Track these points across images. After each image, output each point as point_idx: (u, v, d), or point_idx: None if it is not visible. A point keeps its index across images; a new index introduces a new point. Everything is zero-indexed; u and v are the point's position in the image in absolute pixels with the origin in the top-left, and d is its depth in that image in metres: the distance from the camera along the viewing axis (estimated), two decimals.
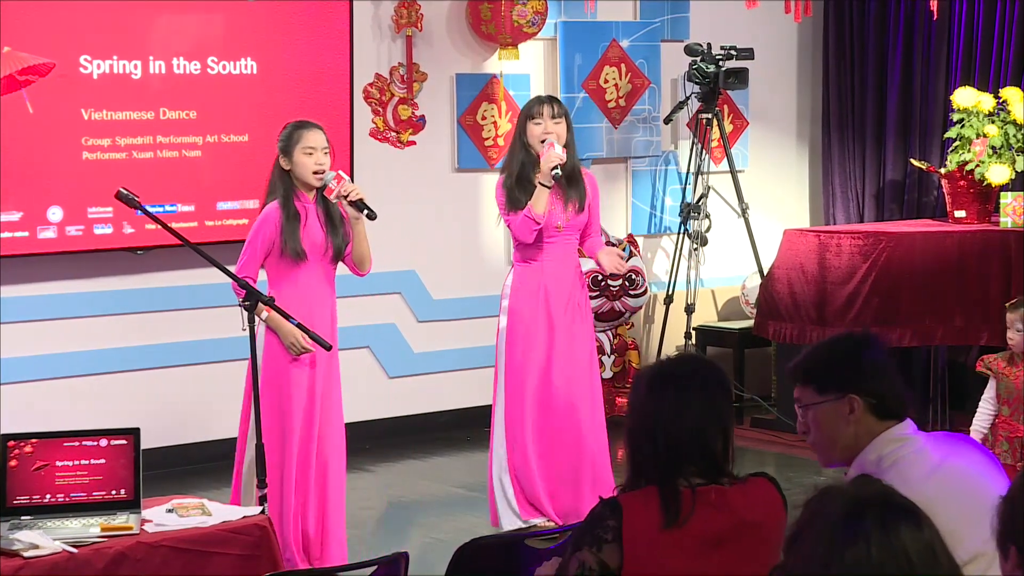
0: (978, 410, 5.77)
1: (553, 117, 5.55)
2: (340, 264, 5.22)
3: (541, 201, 5.48)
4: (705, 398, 2.85)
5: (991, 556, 2.42)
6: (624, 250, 7.92)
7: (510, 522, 5.57)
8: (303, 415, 5.08)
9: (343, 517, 5.21)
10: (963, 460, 2.90)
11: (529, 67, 7.92)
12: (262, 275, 5.13)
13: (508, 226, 5.61)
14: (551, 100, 5.64)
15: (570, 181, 5.57)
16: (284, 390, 5.06)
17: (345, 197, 5.08)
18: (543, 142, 5.51)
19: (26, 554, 3.81)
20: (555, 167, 5.45)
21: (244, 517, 4.21)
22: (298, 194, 5.10)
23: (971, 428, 5.74)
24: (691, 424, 2.81)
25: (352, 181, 5.20)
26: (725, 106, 8.39)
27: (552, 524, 5.51)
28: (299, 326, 4.78)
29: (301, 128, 5.15)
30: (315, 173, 5.08)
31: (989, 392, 5.73)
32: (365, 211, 5.09)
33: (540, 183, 5.49)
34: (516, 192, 5.52)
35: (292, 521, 5.07)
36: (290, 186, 5.10)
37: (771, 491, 2.90)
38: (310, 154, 5.08)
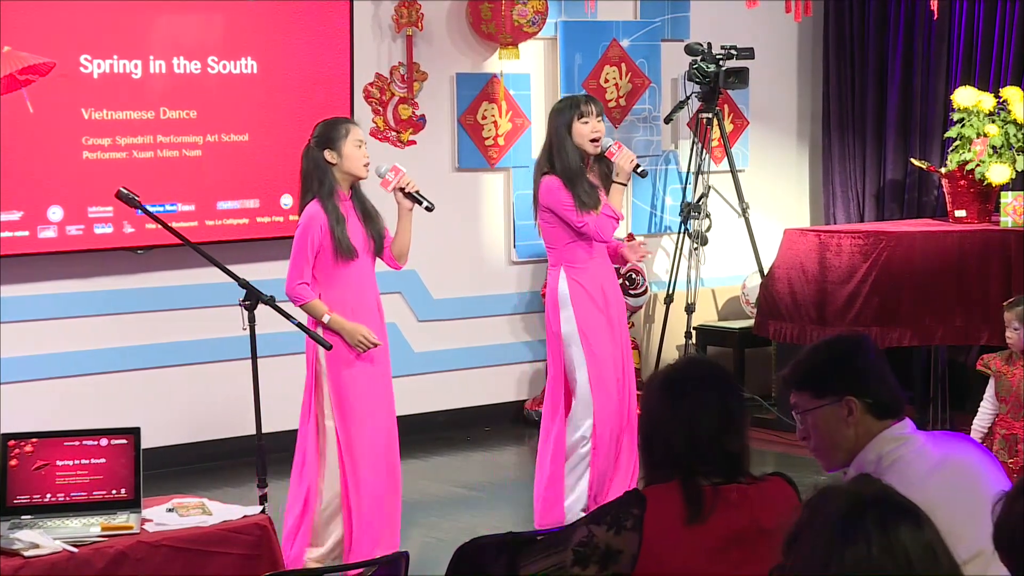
0: (979, 409, 5.77)
1: (598, 116, 5.58)
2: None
3: (618, 200, 5.58)
4: (719, 401, 2.89)
5: (991, 554, 2.42)
6: None
7: (575, 514, 5.58)
8: (373, 412, 5.12)
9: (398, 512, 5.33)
10: (962, 458, 2.91)
11: (529, 67, 7.92)
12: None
13: (581, 227, 5.51)
14: (593, 100, 5.66)
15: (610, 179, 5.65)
16: (355, 386, 5.08)
17: (402, 189, 5.11)
18: (592, 141, 5.54)
19: (26, 553, 3.81)
20: (637, 164, 5.55)
21: (244, 517, 4.21)
22: (338, 192, 5.10)
23: (972, 427, 5.74)
24: (708, 428, 2.85)
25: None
26: (725, 106, 8.39)
27: None
28: (300, 326, 4.79)
29: (346, 122, 5.18)
30: (365, 166, 5.12)
31: (989, 391, 5.73)
32: (424, 203, 5.14)
33: (617, 182, 5.57)
34: (586, 191, 5.52)
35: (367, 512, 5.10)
36: (334, 182, 5.09)
37: (787, 490, 2.94)
38: (360, 146, 5.11)
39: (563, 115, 5.60)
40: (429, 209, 5.17)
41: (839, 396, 2.88)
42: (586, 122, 5.54)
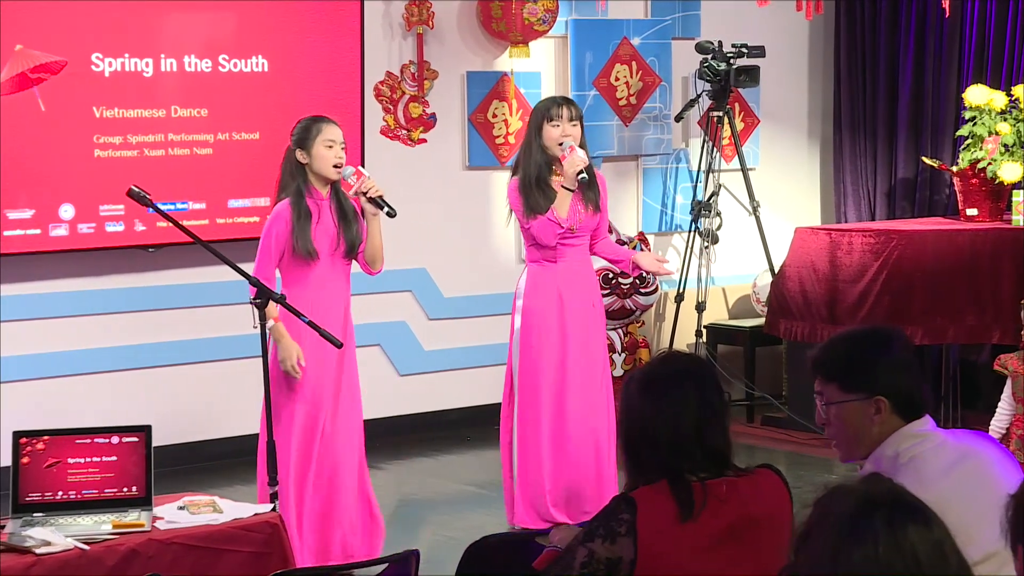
0: (997, 410, 5.74)
1: (571, 120, 5.50)
2: (354, 262, 5.21)
3: (565, 205, 5.45)
4: (699, 394, 2.85)
5: (1005, 555, 2.41)
6: (635, 247, 7.93)
7: (521, 524, 5.56)
8: (309, 416, 5.05)
9: (372, 510, 5.23)
10: (981, 458, 2.89)
11: (540, 65, 7.92)
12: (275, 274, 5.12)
13: (527, 229, 5.53)
14: (568, 102, 5.58)
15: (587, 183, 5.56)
16: (293, 392, 5.05)
17: (364, 194, 5.06)
18: (560, 144, 5.47)
19: (38, 551, 3.82)
20: (581, 171, 5.40)
21: (255, 515, 4.22)
22: (311, 190, 5.07)
23: (990, 428, 5.71)
24: (690, 422, 2.82)
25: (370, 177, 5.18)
26: (736, 104, 8.38)
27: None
28: (311, 324, 4.78)
29: (320, 121, 5.12)
30: (334, 167, 5.07)
31: (1007, 392, 5.70)
32: (385, 208, 5.06)
33: (564, 187, 5.45)
34: (535, 195, 5.48)
35: (303, 522, 5.06)
36: (304, 181, 5.06)
37: (777, 482, 2.91)
38: (330, 147, 5.06)
39: (536, 116, 5.57)
40: (391, 215, 5.05)
41: (869, 394, 2.86)
42: (556, 125, 5.48)
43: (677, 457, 2.81)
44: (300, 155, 5.07)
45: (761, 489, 2.87)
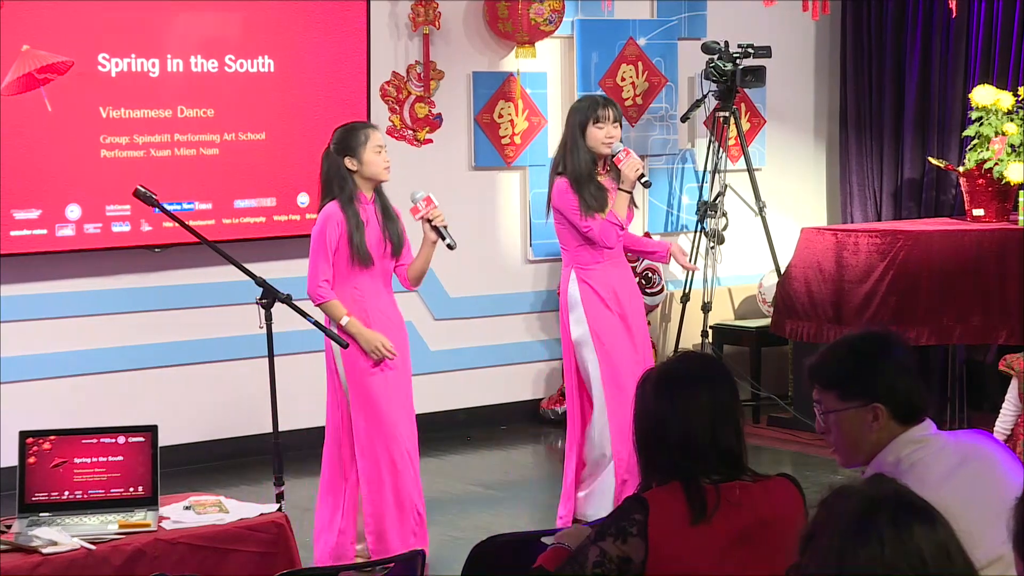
0: (1001, 411, 5.72)
1: (614, 121, 5.56)
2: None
3: (623, 206, 5.54)
4: (713, 396, 2.85)
5: (1010, 558, 2.40)
6: None
7: (586, 516, 5.58)
8: (399, 413, 5.15)
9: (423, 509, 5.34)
10: (983, 461, 2.88)
11: (546, 65, 7.91)
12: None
13: (585, 230, 5.52)
14: (611, 103, 5.63)
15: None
16: (377, 394, 5.11)
17: (429, 221, 5.15)
18: (607, 145, 5.53)
19: (45, 551, 3.82)
20: (642, 174, 5.51)
21: (261, 515, 4.22)
22: (359, 195, 5.14)
23: (994, 429, 5.69)
24: (703, 424, 2.82)
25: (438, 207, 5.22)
26: (742, 104, 8.37)
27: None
28: (316, 324, 4.79)
29: (365, 128, 5.21)
30: (386, 169, 5.17)
31: (1012, 392, 5.68)
32: (447, 240, 5.16)
33: (623, 189, 5.53)
34: (592, 194, 5.51)
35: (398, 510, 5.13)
36: (355, 187, 5.12)
37: (792, 490, 2.91)
38: (379, 152, 5.15)
39: (579, 116, 5.59)
40: (451, 247, 5.18)
41: (867, 401, 2.85)
42: (601, 127, 5.53)
43: (690, 458, 2.82)
44: (350, 162, 5.12)
45: (775, 495, 2.86)
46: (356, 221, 5.07)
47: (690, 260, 7.98)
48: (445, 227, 5.18)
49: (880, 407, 2.85)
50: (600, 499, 5.59)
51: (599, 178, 5.57)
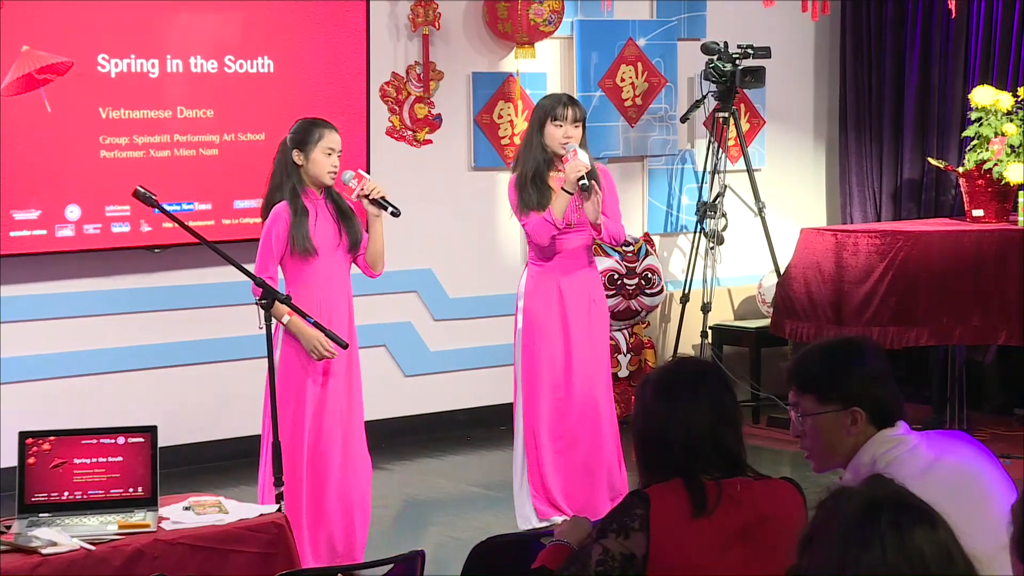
0: None
1: (574, 121, 5.48)
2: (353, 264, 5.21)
3: (561, 206, 5.43)
4: (713, 399, 2.89)
5: (989, 557, 2.41)
6: (640, 250, 7.94)
7: (525, 523, 5.57)
8: (315, 416, 5.07)
9: (367, 518, 5.22)
10: (957, 457, 2.90)
11: (546, 66, 7.92)
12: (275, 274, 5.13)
13: (523, 226, 5.56)
14: (573, 103, 5.55)
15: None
16: (300, 392, 5.06)
17: (367, 196, 5.07)
18: (564, 145, 5.46)
19: (44, 551, 3.82)
20: (582, 177, 5.36)
21: (261, 515, 4.22)
22: (306, 190, 5.08)
23: None
24: (704, 427, 2.85)
25: (370, 177, 5.18)
26: (742, 105, 8.37)
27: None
28: (316, 325, 4.78)
29: (322, 127, 5.12)
30: (329, 173, 5.08)
31: None
32: (389, 209, 5.07)
33: (564, 189, 5.43)
34: (530, 192, 5.48)
35: (312, 523, 5.07)
36: (299, 181, 5.08)
37: (794, 492, 2.94)
38: (329, 155, 5.07)
39: (538, 112, 5.56)
40: (395, 214, 5.07)
41: (845, 405, 2.87)
42: (559, 125, 5.47)
43: (691, 460, 2.84)
44: (296, 156, 5.07)
45: (777, 494, 2.89)
46: (295, 210, 4.99)
47: (690, 260, 8.02)
48: (383, 197, 5.07)
49: (859, 411, 2.87)
50: (528, 506, 5.59)
51: (553, 174, 5.52)
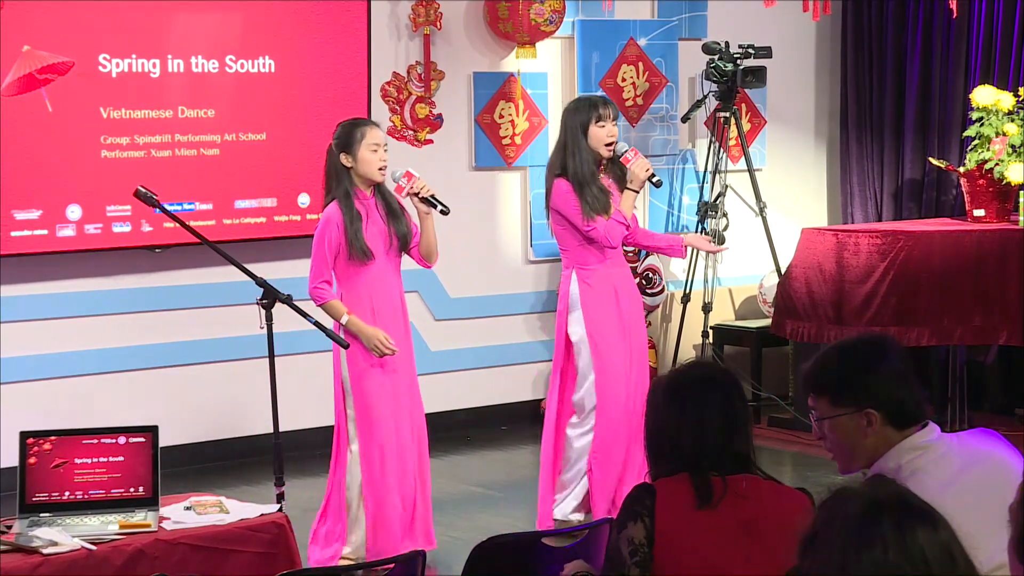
0: None
1: (614, 119, 5.59)
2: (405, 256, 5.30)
3: (629, 205, 5.57)
4: (724, 403, 2.92)
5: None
6: (641, 250, 7.93)
7: (567, 516, 5.58)
8: (394, 413, 5.16)
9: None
10: (987, 465, 2.86)
11: (546, 66, 7.91)
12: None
13: (587, 231, 5.51)
14: (609, 102, 5.67)
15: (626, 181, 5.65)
16: (372, 391, 5.13)
17: (416, 194, 5.15)
18: (607, 145, 5.54)
19: (45, 551, 3.82)
20: (652, 173, 5.55)
21: (262, 515, 4.22)
22: (356, 191, 5.14)
23: None
24: (714, 430, 2.89)
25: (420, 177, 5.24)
26: (743, 104, 8.37)
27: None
28: (316, 324, 4.79)
29: (363, 125, 5.21)
30: (380, 170, 5.14)
31: None
32: (439, 207, 5.17)
33: (630, 188, 5.57)
34: (596, 195, 5.51)
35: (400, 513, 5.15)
36: (350, 184, 5.13)
37: (803, 498, 2.97)
38: (375, 151, 5.14)
39: (579, 116, 5.58)
40: (444, 212, 5.19)
41: (858, 407, 2.86)
42: (603, 125, 5.54)
43: (700, 459, 2.89)
44: (345, 159, 5.14)
45: (783, 495, 2.92)
46: (351, 216, 5.08)
47: (691, 260, 8.02)
48: (433, 195, 5.19)
49: (873, 412, 2.85)
50: (574, 504, 5.63)
51: (601, 177, 5.58)
